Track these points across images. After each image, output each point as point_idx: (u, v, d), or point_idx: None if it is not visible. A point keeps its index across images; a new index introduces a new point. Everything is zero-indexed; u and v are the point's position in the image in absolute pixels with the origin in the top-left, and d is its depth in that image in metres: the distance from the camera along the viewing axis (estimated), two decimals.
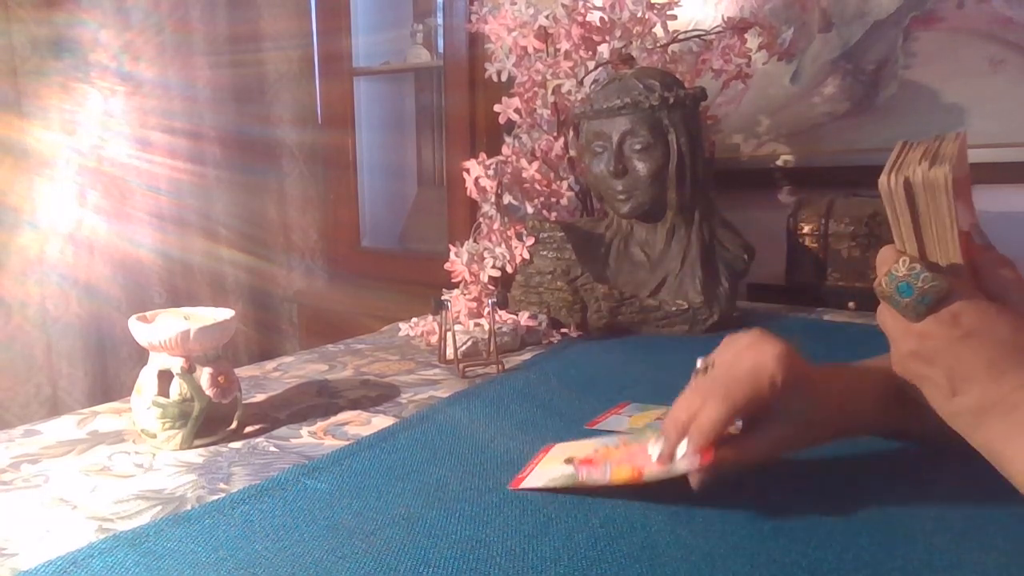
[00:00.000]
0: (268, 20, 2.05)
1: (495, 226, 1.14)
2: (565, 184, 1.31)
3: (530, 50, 1.25)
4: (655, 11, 1.22)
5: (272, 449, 0.70)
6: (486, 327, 1.03)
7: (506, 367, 0.95)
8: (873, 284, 0.52)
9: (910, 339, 0.51)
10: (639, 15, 1.21)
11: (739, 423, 0.55)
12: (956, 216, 0.48)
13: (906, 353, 0.52)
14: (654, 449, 0.56)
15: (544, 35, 1.25)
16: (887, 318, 0.52)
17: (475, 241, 1.16)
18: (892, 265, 0.50)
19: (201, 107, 1.90)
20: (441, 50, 1.90)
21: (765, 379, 0.54)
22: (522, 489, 0.59)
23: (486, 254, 1.13)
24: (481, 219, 1.16)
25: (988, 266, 0.51)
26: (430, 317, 1.12)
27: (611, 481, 0.56)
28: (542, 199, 1.26)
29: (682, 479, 0.54)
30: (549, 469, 0.61)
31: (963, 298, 0.49)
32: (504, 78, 1.30)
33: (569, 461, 0.61)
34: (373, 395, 0.87)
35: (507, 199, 1.16)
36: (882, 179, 0.50)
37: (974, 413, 0.49)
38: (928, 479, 0.59)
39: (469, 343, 1.01)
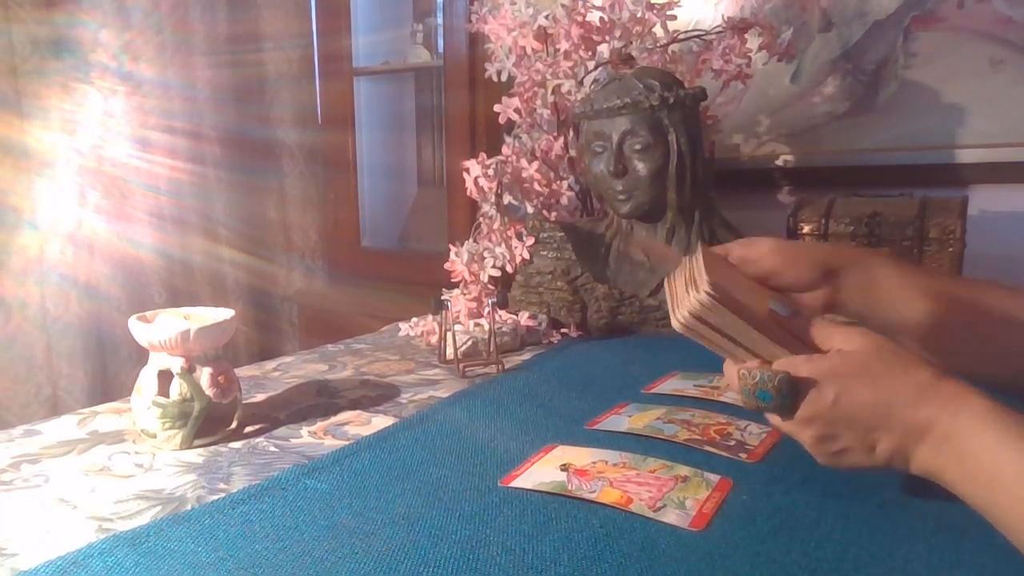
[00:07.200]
0: (268, 20, 2.05)
1: (495, 226, 1.14)
2: (565, 184, 1.30)
3: (529, 51, 1.25)
4: (655, 11, 1.21)
5: (272, 449, 0.70)
6: (486, 327, 1.03)
7: (506, 367, 0.95)
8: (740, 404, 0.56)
9: (806, 432, 0.53)
10: (639, 15, 1.21)
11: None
12: (747, 310, 0.55)
13: (815, 445, 0.54)
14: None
15: (544, 35, 1.25)
16: (781, 426, 0.55)
17: (475, 241, 1.16)
18: (739, 381, 0.54)
19: (201, 107, 1.90)
20: (441, 50, 1.90)
21: None
22: (511, 487, 0.59)
23: (486, 254, 1.13)
24: (481, 219, 1.16)
25: (803, 330, 0.55)
26: (430, 317, 1.12)
27: (598, 500, 0.57)
28: (542, 199, 1.26)
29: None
30: (542, 472, 0.62)
31: (807, 371, 0.52)
32: (504, 78, 1.30)
33: (564, 468, 0.62)
34: (373, 395, 0.87)
35: (507, 199, 1.16)
36: (674, 323, 0.57)
37: (898, 454, 0.51)
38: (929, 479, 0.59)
39: (469, 343, 1.01)
